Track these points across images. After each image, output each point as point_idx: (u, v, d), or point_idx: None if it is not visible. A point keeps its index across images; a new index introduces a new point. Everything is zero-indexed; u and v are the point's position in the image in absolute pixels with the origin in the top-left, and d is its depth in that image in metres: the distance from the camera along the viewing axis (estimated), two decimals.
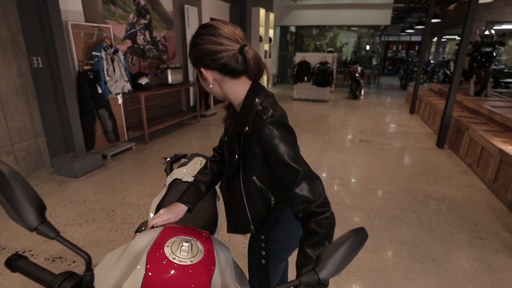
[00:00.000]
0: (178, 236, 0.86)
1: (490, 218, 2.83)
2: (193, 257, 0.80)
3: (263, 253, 1.07)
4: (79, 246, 0.58)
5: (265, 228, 1.07)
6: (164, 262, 0.77)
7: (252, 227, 1.06)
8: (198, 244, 0.85)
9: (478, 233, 2.59)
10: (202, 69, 0.89)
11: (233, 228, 1.14)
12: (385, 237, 2.52)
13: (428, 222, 2.75)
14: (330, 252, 0.60)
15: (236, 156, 0.94)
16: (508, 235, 2.58)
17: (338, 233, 2.43)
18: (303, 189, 0.83)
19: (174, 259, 0.78)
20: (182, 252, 0.80)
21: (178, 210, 1.07)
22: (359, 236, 0.63)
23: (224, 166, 1.11)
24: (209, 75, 0.90)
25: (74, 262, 2.14)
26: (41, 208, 0.57)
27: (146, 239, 0.88)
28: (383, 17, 10.86)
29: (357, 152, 4.64)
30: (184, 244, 0.82)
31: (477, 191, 3.39)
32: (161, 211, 1.05)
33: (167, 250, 0.80)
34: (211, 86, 0.92)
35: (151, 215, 1.40)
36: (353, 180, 3.67)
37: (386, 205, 3.03)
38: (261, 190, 0.98)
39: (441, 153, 4.66)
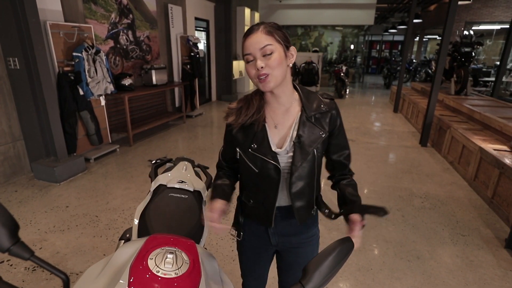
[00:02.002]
0: (162, 248, 0.83)
1: (471, 215, 2.91)
2: (178, 269, 0.77)
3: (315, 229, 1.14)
4: (56, 266, 0.56)
5: (320, 202, 1.13)
6: (148, 276, 0.74)
7: (315, 206, 1.12)
8: (183, 255, 0.83)
9: (461, 230, 2.66)
10: (291, 47, 0.96)
11: (303, 217, 1.08)
12: (371, 236, 2.56)
13: (413, 220, 2.81)
14: (317, 264, 0.59)
15: (322, 133, 1.00)
16: (489, 231, 2.66)
17: (326, 238, 2.44)
18: (348, 156, 1.09)
19: (158, 272, 0.75)
20: (167, 265, 0.77)
21: (219, 205, 1.01)
22: (345, 246, 0.63)
23: (234, 180, 1.16)
24: (294, 53, 0.97)
25: None
26: (13, 228, 0.54)
27: (129, 251, 0.85)
28: (366, 17, 11.02)
29: None
30: (169, 255, 0.80)
31: (459, 188, 3.49)
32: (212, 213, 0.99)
33: (150, 263, 0.78)
34: (290, 64, 0.97)
35: (136, 221, 1.37)
36: None
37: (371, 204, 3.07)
38: (321, 164, 1.06)
39: (424, 151, 4.76)
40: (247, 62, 0.93)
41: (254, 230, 1.14)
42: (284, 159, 1.00)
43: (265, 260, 1.22)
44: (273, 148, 0.99)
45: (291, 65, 0.97)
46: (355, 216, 0.95)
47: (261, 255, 1.19)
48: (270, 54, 0.90)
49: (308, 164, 0.99)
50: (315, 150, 0.99)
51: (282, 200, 1.05)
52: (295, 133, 0.99)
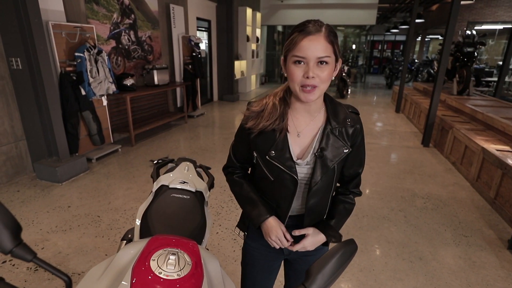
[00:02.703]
0: (165, 249, 0.83)
1: (474, 216, 2.90)
2: (180, 270, 0.77)
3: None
4: (58, 268, 0.55)
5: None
6: (150, 277, 0.74)
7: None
8: (186, 256, 0.83)
9: (463, 231, 2.65)
10: (340, 59, 0.89)
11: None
12: (373, 236, 2.55)
13: (415, 220, 2.80)
14: (320, 266, 0.59)
15: (345, 149, 0.95)
16: (491, 232, 2.65)
17: None
18: (359, 175, 1.05)
19: (161, 273, 0.75)
20: (169, 266, 0.77)
21: (278, 223, 1.00)
22: (349, 248, 0.62)
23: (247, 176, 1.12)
24: (339, 65, 0.91)
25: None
26: (16, 229, 0.54)
27: (131, 252, 0.85)
28: (368, 17, 10.99)
29: None
30: (171, 257, 0.80)
31: (461, 189, 3.47)
32: (277, 234, 0.98)
33: (153, 264, 0.77)
34: (334, 78, 0.90)
35: (138, 222, 1.37)
36: None
37: (374, 205, 3.07)
38: (338, 178, 1.02)
39: (427, 151, 4.75)
40: (294, 62, 0.84)
41: (262, 240, 1.07)
42: (303, 170, 0.95)
43: (274, 270, 1.18)
44: (294, 159, 0.94)
45: (333, 78, 0.90)
46: (310, 231, 0.98)
47: (270, 266, 1.14)
48: (325, 65, 0.82)
49: (327, 179, 0.95)
50: (336, 165, 0.95)
51: (295, 210, 1.02)
52: (317, 144, 0.93)
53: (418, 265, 2.22)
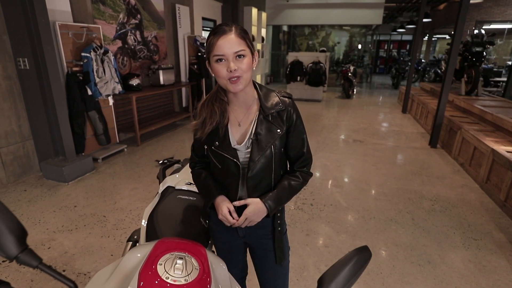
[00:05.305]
0: (172, 253, 0.82)
1: (483, 219, 2.85)
2: (188, 275, 0.76)
3: (279, 221, 1.15)
4: (64, 274, 0.54)
5: None
6: (157, 282, 0.73)
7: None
8: (193, 260, 0.81)
9: (473, 234, 2.60)
10: (255, 52, 1.02)
11: None
12: (380, 239, 2.51)
13: (423, 223, 2.75)
14: (333, 274, 0.57)
15: (279, 131, 1.05)
16: (502, 235, 2.59)
17: (335, 240, 2.38)
18: (308, 152, 1.13)
19: (168, 278, 0.74)
20: (176, 271, 0.76)
21: (224, 201, 1.09)
22: (362, 255, 0.60)
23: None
24: (257, 57, 1.03)
25: (64, 271, 2.08)
26: (21, 235, 0.52)
27: (138, 256, 0.84)
28: (374, 17, 10.91)
29: (351, 152, 4.64)
30: (178, 261, 0.79)
31: (470, 191, 3.42)
32: (223, 211, 1.06)
33: (160, 269, 0.76)
34: (254, 68, 1.01)
35: (144, 223, 1.36)
36: (347, 181, 3.66)
37: (381, 206, 3.03)
38: (280, 160, 1.11)
39: (434, 152, 4.69)
40: (216, 61, 0.95)
41: (222, 223, 1.13)
42: (243, 154, 1.06)
43: (237, 251, 1.25)
44: (233, 145, 1.05)
45: (254, 68, 1.02)
46: (249, 201, 1.05)
47: (232, 246, 1.23)
48: (242, 58, 0.94)
49: (265, 160, 1.05)
50: (272, 146, 1.05)
51: (244, 194, 1.09)
52: (254, 130, 1.05)
53: (427, 268, 2.18)
